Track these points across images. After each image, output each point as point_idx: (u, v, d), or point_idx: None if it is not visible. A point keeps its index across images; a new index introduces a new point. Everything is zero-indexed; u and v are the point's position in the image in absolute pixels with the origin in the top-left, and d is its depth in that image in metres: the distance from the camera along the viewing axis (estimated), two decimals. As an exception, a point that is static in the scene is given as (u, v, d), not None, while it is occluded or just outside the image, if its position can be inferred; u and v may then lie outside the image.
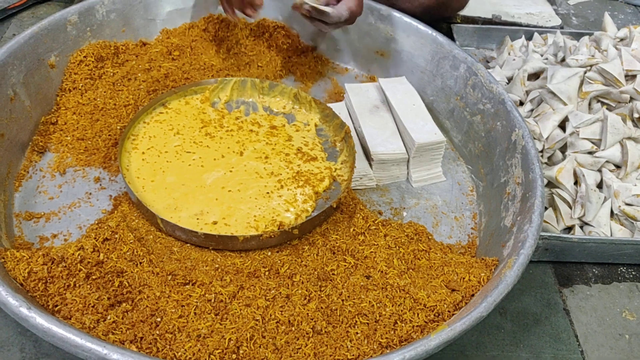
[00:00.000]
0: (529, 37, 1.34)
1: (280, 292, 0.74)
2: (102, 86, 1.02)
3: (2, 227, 0.80)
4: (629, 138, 0.99)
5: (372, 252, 0.81)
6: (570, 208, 0.97)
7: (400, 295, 0.75)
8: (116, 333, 0.67)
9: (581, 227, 0.96)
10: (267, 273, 0.78)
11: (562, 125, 1.04)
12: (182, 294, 0.73)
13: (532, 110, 1.10)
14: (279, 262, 0.79)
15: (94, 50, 1.04)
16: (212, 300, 0.72)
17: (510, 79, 1.20)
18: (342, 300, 0.74)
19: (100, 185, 0.91)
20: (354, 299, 0.74)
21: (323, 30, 1.04)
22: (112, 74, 1.04)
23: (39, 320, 0.61)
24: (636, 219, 0.94)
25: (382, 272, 0.78)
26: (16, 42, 0.93)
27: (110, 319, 0.68)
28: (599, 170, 1.00)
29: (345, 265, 0.79)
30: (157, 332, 0.68)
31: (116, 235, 0.79)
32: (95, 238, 0.77)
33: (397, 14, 1.14)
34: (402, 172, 0.99)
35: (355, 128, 1.02)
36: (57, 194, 0.89)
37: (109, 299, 0.70)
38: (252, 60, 1.15)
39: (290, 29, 1.19)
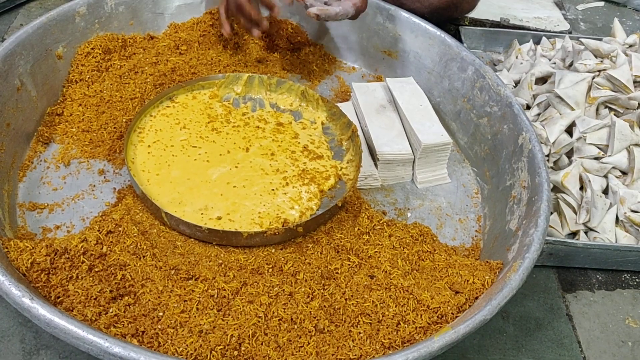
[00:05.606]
0: (537, 41, 1.33)
1: (284, 290, 0.74)
2: (108, 79, 1.01)
3: (5, 217, 0.80)
4: (636, 145, 0.99)
5: (376, 252, 0.81)
6: (575, 213, 0.97)
7: (403, 296, 0.74)
8: (118, 326, 0.67)
9: (586, 233, 0.96)
10: (270, 270, 0.77)
11: (569, 130, 1.03)
12: (184, 289, 0.72)
13: (539, 114, 1.10)
14: (282, 259, 0.79)
15: (102, 42, 1.04)
16: (215, 296, 0.72)
17: (517, 83, 1.20)
18: (346, 299, 0.74)
19: (105, 177, 0.91)
20: (357, 298, 0.74)
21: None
22: (119, 66, 1.04)
23: (42, 311, 0.61)
24: (641, 226, 0.94)
25: (386, 272, 0.78)
26: (24, 32, 0.93)
27: (112, 312, 0.68)
28: (605, 176, 0.99)
29: (349, 265, 0.79)
30: (159, 327, 0.68)
31: (120, 228, 0.79)
32: (98, 230, 0.77)
33: (405, 14, 1.14)
34: (408, 172, 0.98)
35: (361, 127, 1.02)
36: (61, 185, 0.89)
37: (111, 291, 0.70)
38: (259, 57, 1.15)
39: (298, 26, 1.19)
